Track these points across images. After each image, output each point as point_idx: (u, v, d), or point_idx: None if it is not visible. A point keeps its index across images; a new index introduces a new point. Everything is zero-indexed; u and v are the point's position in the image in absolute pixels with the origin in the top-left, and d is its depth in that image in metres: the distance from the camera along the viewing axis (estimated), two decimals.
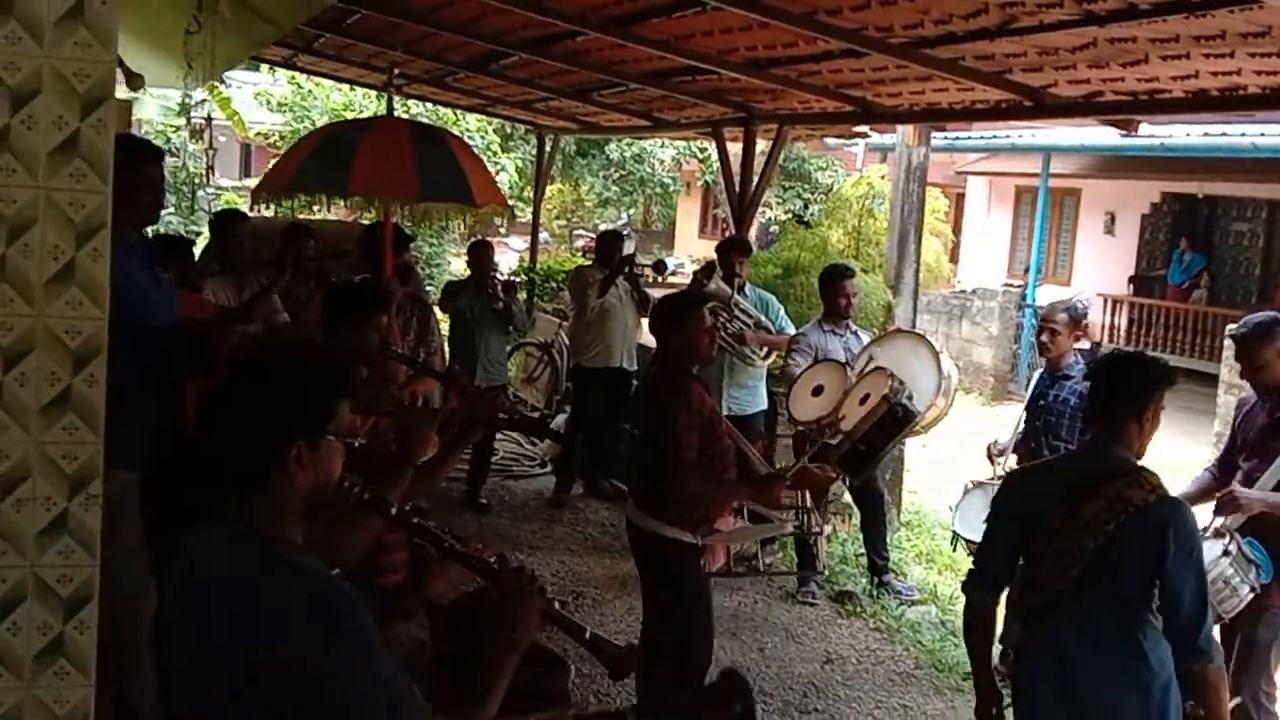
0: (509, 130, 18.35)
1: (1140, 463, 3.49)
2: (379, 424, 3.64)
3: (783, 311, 8.02)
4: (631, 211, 27.51)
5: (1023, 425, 6.07)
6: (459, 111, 15.52)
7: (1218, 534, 4.59)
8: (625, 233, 26.75)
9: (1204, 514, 4.58)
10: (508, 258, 19.91)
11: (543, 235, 24.58)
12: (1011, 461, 5.86)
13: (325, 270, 6.55)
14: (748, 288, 8.00)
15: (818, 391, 6.19)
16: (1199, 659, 3.34)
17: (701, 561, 4.90)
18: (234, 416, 2.18)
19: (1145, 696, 3.37)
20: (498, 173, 17.26)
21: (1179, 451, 4.89)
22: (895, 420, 5.96)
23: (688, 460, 4.65)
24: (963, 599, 3.84)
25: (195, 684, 2.15)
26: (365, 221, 9.27)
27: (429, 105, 15.24)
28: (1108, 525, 3.34)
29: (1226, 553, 4.47)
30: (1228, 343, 12.62)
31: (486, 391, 4.34)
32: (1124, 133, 10.48)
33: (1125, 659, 3.38)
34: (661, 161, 22.83)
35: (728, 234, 9.07)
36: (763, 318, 7.80)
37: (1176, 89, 5.35)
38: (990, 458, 6.09)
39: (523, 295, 13.13)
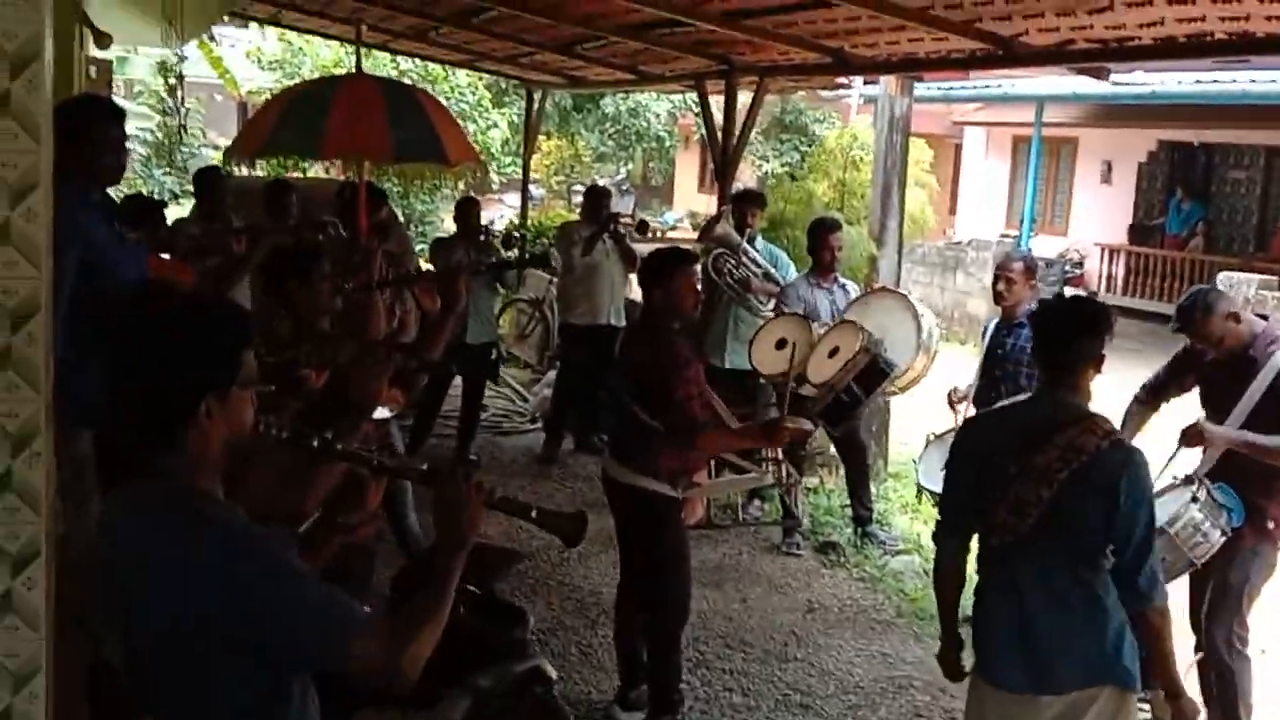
0: (503, 86, 18.26)
1: (1091, 408, 3.51)
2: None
3: (792, 268, 8.02)
4: (629, 166, 27.42)
5: (980, 375, 6.10)
6: (448, 67, 15.44)
7: (1188, 480, 4.63)
8: (624, 188, 26.88)
9: (1160, 458, 4.62)
10: (503, 214, 19.88)
11: (540, 191, 24.56)
12: (971, 411, 5.89)
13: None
14: (759, 240, 8.03)
15: (781, 344, 6.21)
16: (1140, 601, 3.36)
17: (681, 514, 4.95)
18: (140, 374, 2.18)
19: (1100, 637, 3.40)
20: (489, 129, 17.21)
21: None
22: (877, 371, 6.02)
23: (697, 416, 4.67)
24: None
25: (134, 642, 2.20)
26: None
27: (417, 61, 15.17)
28: (1061, 473, 3.35)
29: (1195, 499, 4.49)
30: None
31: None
32: (1115, 82, 10.44)
33: (1080, 602, 3.41)
34: (657, 115, 22.71)
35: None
36: (771, 269, 7.82)
37: (1145, 36, 5.31)
38: (951, 404, 6.12)
39: (514, 252, 13.16)
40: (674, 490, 4.80)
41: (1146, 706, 3.64)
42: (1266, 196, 18.10)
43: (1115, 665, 3.40)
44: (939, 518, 3.79)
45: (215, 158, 18.42)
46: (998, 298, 6.05)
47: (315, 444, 2.53)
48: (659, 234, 21.76)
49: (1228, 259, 16.55)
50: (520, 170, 14.94)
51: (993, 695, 3.55)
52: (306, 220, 7.04)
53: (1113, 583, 3.38)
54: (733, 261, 7.66)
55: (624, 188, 26.78)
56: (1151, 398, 5.04)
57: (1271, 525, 4.60)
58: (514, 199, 20.51)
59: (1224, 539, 4.49)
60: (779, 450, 7.05)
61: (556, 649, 5.78)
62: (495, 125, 17.71)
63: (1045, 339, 3.57)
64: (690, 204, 27.12)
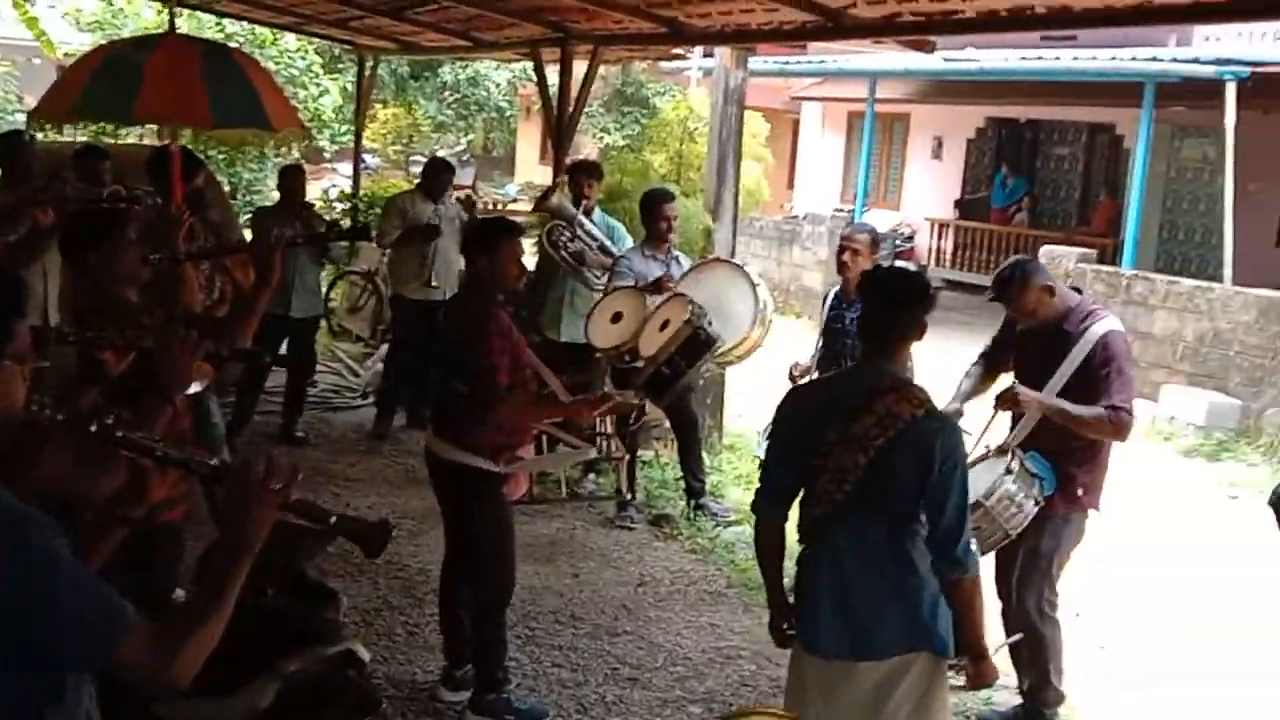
0: (336, 52, 17.74)
1: (913, 379, 3.53)
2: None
3: (629, 240, 7.91)
4: (470, 137, 27.04)
5: (821, 346, 6.13)
6: (276, 31, 14.91)
7: (1001, 451, 4.69)
8: (465, 158, 26.51)
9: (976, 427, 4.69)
10: (336, 183, 19.36)
11: (376, 161, 24.05)
12: None
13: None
14: (596, 213, 7.90)
15: (616, 318, 6.16)
16: (955, 569, 3.40)
17: (504, 489, 4.86)
18: None
19: (916, 604, 3.44)
20: (320, 95, 16.70)
21: None
22: (698, 344, 5.99)
23: (501, 384, 4.58)
24: None
25: None
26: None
27: (244, 24, 14.61)
28: (877, 440, 3.37)
29: (1009, 471, 4.53)
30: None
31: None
32: (945, 58, 10.61)
33: (895, 569, 3.45)
34: (497, 85, 22.43)
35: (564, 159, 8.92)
36: (607, 242, 7.71)
37: (969, 9, 5.40)
38: (792, 379, 6.14)
39: (346, 222, 12.81)
40: (495, 465, 4.70)
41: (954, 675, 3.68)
42: (1089, 172, 18.78)
43: (930, 632, 3.45)
44: (759, 486, 3.77)
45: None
46: (841, 268, 6.03)
47: (93, 428, 2.35)
48: (499, 206, 21.58)
49: (1051, 233, 17.13)
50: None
51: (813, 663, 3.56)
52: (118, 189, 6.69)
53: (928, 551, 3.41)
54: (568, 234, 7.55)
55: (464, 158, 26.44)
56: (987, 365, 5.07)
57: (1081, 493, 4.69)
58: (348, 168, 20.05)
59: (1037, 508, 4.56)
60: (608, 425, 7.03)
61: (381, 629, 5.64)
62: (327, 92, 17.16)
63: (868, 309, 3.58)
64: (532, 175, 26.93)
